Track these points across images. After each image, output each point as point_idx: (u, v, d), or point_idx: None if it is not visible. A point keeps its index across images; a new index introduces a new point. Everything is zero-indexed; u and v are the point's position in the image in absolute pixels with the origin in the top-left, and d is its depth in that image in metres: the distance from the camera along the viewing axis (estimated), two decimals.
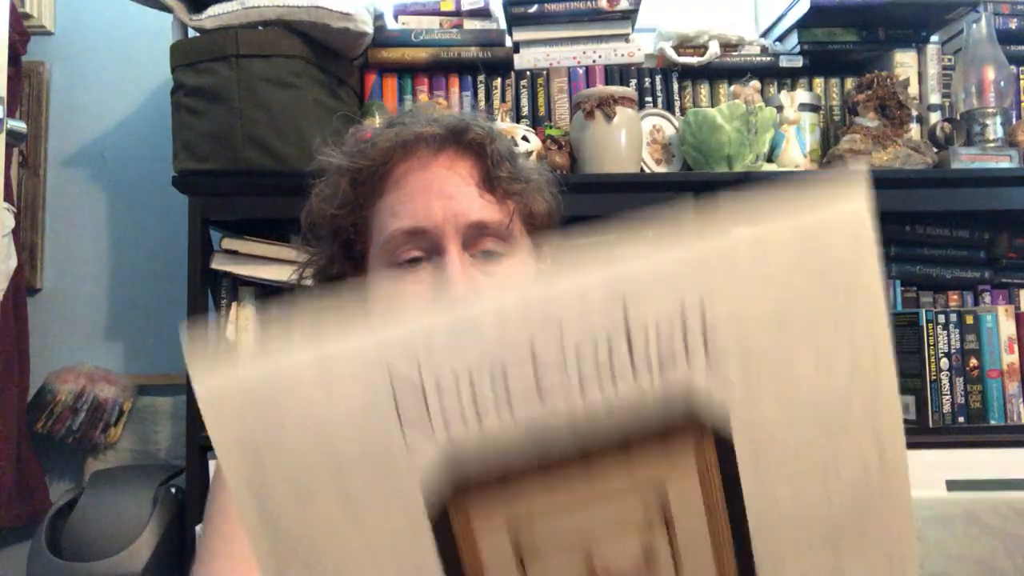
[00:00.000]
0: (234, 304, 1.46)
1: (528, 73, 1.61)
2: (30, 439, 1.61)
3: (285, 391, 0.25)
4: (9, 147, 1.46)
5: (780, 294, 0.25)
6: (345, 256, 0.74)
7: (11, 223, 1.52)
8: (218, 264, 1.43)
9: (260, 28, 1.35)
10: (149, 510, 1.42)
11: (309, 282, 0.78)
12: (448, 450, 0.25)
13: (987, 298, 1.57)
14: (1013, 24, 1.62)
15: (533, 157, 1.46)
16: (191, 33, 1.41)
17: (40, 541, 1.40)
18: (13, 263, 1.52)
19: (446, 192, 0.67)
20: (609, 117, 1.42)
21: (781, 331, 0.25)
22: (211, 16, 1.36)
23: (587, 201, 1.42)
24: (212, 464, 1.36)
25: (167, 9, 1.40)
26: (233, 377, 0.25)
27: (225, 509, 0.70)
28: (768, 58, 1.62)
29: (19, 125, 1.50)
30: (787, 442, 0.26)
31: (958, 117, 1.54)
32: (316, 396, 0.25)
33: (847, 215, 0.25)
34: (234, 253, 1.42)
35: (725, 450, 0.26)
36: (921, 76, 1.63)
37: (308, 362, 0.25)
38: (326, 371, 0.25)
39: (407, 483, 0.25)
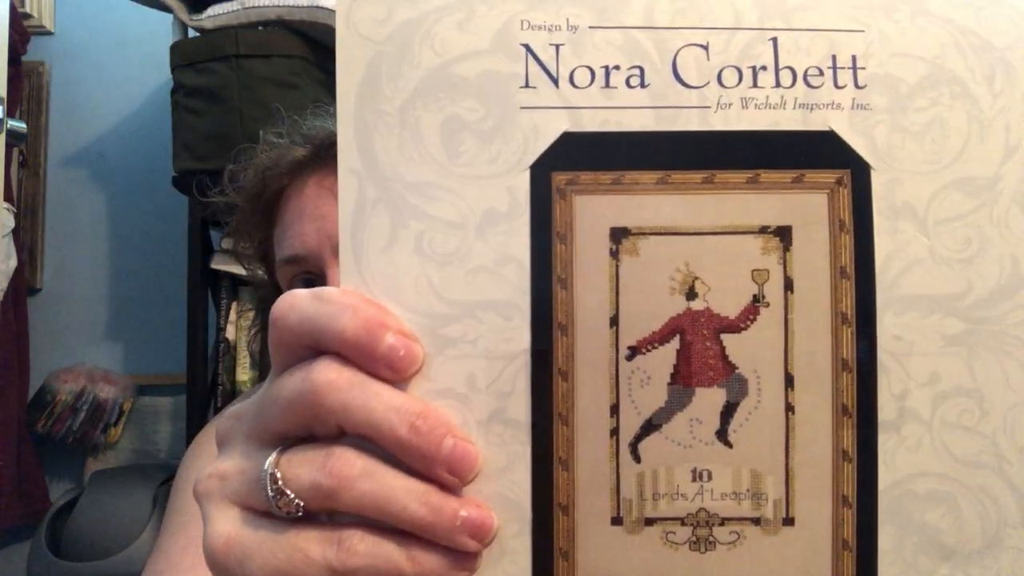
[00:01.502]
0: (234, 304, 1.46)
1: None
2: (30, 439, 1.61)
3: (430, 10, 0.25)
4: (9, 147, 1.46)
5: (938, 57, 0.25)
6: (271, 282, 0.73)
7: (11, 223, 1.52)
8: (218, 264, 1.43)
9: (260, 28, 1.35)
10: (149, 510, 1.42)
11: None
12: (570, 108, 0.25)
13: None
14: None
15: None
16: (191, 33, 1.41)
17: (40, 541, 1.40)
18: (13, 263, 1.52)
19: (318, 213, 0.65)
20: None
21: (935, 91, 0.25)
22: (211, 16, 1.36)
23: None
24: None
25: (167, 9, 1.40)
26: None
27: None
28: None
29: (19, 125, 1.50)
30: (930, 207, 0.25)
31: None
32: (453, 20, 0.25)
33: None
34: (234, 253, 1.42)
35: (861, 203, 0.25)
36: None
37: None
38: (467, 5, 0.25)
39: (518, 128, 0.25)
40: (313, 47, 1.37)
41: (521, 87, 0.25)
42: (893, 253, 0.25)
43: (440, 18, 0.25)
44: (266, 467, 0.24)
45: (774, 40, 0.25)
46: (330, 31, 1.36)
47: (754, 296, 0.25)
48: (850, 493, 0.25)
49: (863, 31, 0.25)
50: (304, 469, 0.24)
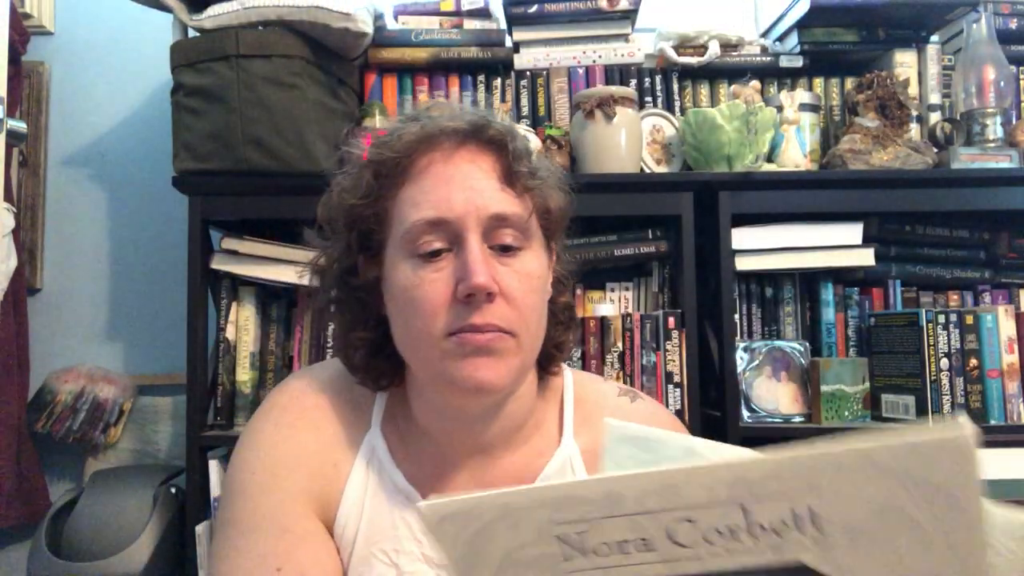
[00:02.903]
0: (234, 304, 1.46)
1: (528, 73, 1.61)
2: (30, 439, 1.61)
3: (488, 522, 0.33)
4: (9, 147, 1.46)
5: (886, 498, 0.30)
6: (361, 247, 0.75)
7: (11, 223, 1.52)
8: (218, 264, 1.43)
9: (260, 28, 1.35)
10: (149, 510, 1.42)
11: (315, 279, 0.79)
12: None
13: (987, 298, 1.57)
14: (1013, 24, 1.62)
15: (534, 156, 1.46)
16: (191, 33, 1.41)
17: (40, 541, 1.40)
18: (13, 263, 1.52)
19: (468, 184, 0.69)
20: (609, 117, 1.42)
21: (886, 525, 0.30)
22: (211, 16, 1.36)
23: (587, 201, 1.42)
24: (212, 464, 1.36)
25: (167, 9, 1.40)
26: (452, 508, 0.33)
27: (242, 520, 0.71)
28: (768, 58, 1.62)
29: (19, 125, 1.50)
30: None
31: (958, 117, 1.54)
32: (502, 530, 0.33)
33: (956, 437, 0.29)
34: (234, 253, 1.42)
35: None
36: (921, 76, 1.63)
37: (497, 508, 0.33)
38: (511, 516, 0.32)
39: None
40: (313, 47, 1.37)
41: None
42: None
43: (497, 530, 0.33)
44: None
45: (744, 509, 0.31)
46: (330, 31, 1.36)
47: None
48: None
49: (817, 486, 0.30)
50: None
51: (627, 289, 1.53)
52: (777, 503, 0.30)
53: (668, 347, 1.40)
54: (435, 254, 0.69)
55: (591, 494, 0.31)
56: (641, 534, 0.31)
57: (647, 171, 1.53)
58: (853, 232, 1.46)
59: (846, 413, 1.41)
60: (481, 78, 1.61)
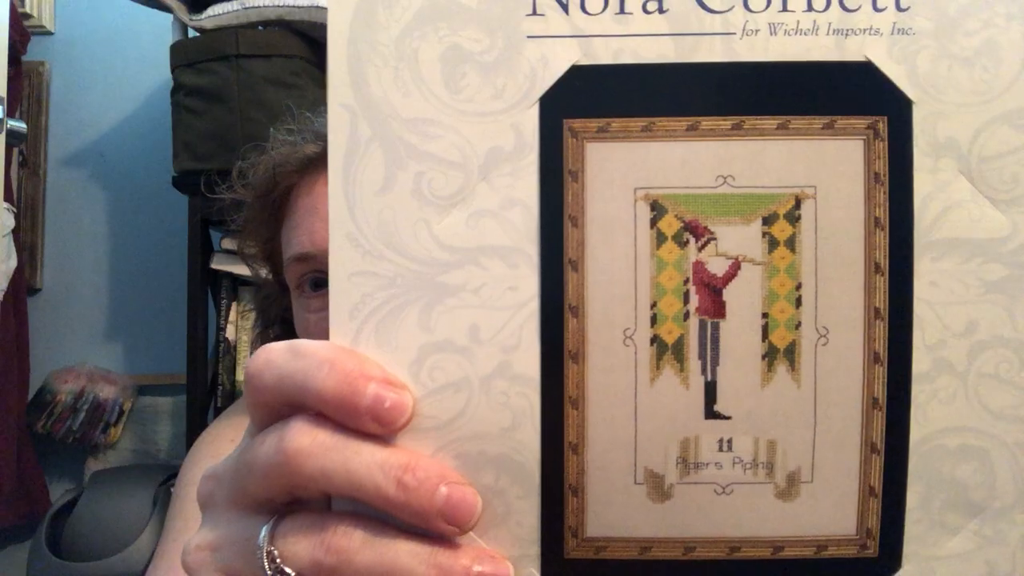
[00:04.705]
0: (234, 304, 1.46)
1: None
2: (30, 439, 1.61)
3: None
4: (9, 147, 1.46)
5: None
6: (276, 282, 0.72)
7: (11, 223, 1.52)
8: (218, 264, 1.43)
9: (260, 28, 1.35)
10: (149, 510, 1.42)
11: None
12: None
13: None
14: None
15: None
16: (191, 33, 1.42)
17: (40, 541, 1.40)
18: (13, 263, 1.52)
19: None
20: None
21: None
22: (211, 16, 1.36)
23: None
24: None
25: (167, 9, 1.40)
26: None
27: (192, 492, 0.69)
28: None
29: (19, 125, 1.50)
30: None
31: None
32: None
33: None
34: (234, 253, 1.42)
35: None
36: None
37: None
38: None
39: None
40: (313, 47, 1.37)
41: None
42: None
43: None
44: (261, 542, 0.23)
45: None
46: None
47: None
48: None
49: None
50: (302, 546, 0.22)
51: None
52: None
53: None
54: (319, 287, 0.64)
55: None
56: None
57: None
58: None
59: None
60: None
